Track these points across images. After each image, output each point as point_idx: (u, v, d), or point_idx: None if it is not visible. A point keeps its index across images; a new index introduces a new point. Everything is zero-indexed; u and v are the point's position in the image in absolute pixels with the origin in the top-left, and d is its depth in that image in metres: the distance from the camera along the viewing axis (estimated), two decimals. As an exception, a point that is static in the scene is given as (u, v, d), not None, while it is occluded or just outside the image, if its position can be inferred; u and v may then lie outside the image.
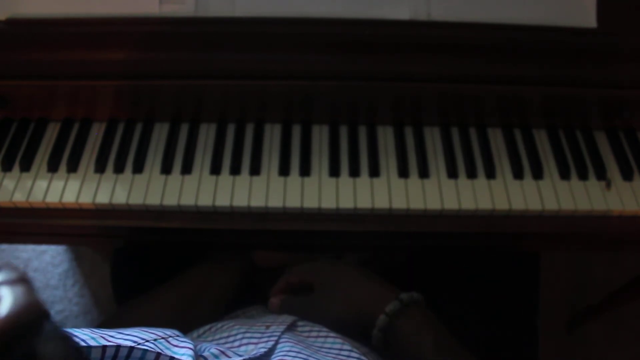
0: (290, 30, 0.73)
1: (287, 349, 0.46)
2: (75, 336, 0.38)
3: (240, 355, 0.46)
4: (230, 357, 0.44)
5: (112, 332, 0.41)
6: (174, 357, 0.40)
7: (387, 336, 0.59)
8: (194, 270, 0.73)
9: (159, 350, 0.40)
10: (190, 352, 0.41)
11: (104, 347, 0.38)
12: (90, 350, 0.37)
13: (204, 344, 0.50)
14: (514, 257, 0.85)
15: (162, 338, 0.42)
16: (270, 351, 0.48)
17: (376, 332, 0.59)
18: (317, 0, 0.72)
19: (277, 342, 0.49)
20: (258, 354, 0.47)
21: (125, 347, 0.39)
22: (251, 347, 0.49)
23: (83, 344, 0.38)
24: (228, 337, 0.52)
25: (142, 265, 0.84)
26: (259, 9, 0.72)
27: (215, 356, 0.44)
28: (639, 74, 0.74)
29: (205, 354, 0.43)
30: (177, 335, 0.45)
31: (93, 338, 0.39)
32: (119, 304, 0.85)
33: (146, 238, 0.84)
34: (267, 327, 0.53)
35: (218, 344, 0.49)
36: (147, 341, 0.41)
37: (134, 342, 0.40)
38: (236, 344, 0.50)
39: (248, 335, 0.51)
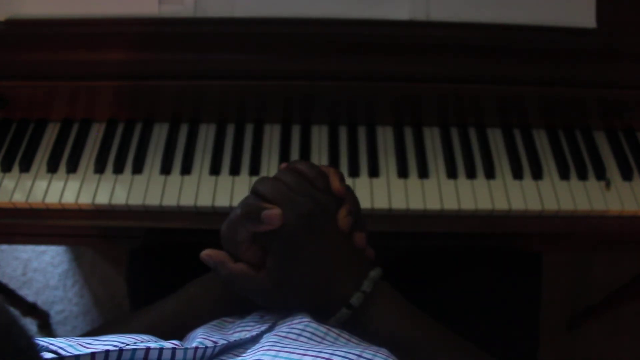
0: (290, 30, 0.73)
1: (275, 340, 0.46)
2: (56, 345, 0.38)
3: (229, 341, 0.46)
4: (218, 344, 0.44)
5: (88, 340, 0.41)
6: (163, 348, 0.40)
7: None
8: (194, 282, 0.69)
9: (147, 346, 0.40)
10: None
11: (93, 354, 0.38)
12: (79, 359, 0.37)
13: (197, 329, 0.50)
14: (515, 256, 0.85)
15: (142, 342, 0.42)
16: (263, 334, 0.48)
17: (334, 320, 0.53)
18: (317, 0, 0.72)
19: (271, 327, 0.49)
20: (250, 337, 0.47)
21: (115, 351, 0.38)
22: (244, 332, 0.49)
23: (67, 354, 0.37)
24: (223, 327, 0.52)
25: (158, 266, 0.83)
26: (258, 9, 0.72)
27: (203, 348, 0.44)
28: (638, 74, 0.74)
29: (192, 345, 0.43)
30: (156, 341, 0.44)
31: (70, 345, 0.38)
32: (133, 304, 0.84)
33: (149, 239, 0.84)
34: (262, 316, 0.53)
35: (210, 331, 0.49)
36: (128, 345, 0.40)
37: (115, 346, 0.39)
38: (229, 331, 0.50)
39: (242, 324, 0.51)
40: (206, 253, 0.52)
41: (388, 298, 0.52)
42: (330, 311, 0.51)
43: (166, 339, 0.47)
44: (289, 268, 0.50)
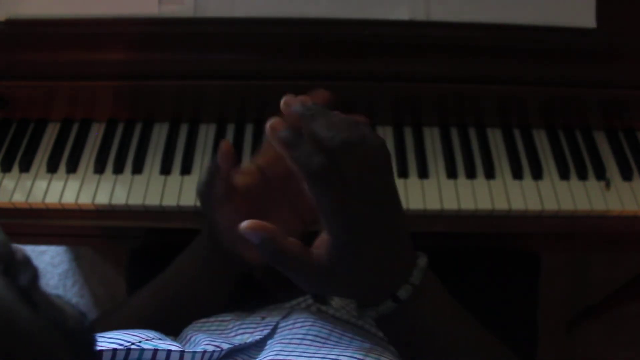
0: (290, 30, 0.73)
1: (279, 348, 0.46)
2: None
3: (233, 344, 0.46)
4: (223, 349, 0.44)
5: None
6: (171, 350, 0.40)
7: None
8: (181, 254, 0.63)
9: (154, 347, 0.40)
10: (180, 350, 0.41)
11: (100, 351, 0.38)
12: None
13: (199, 334, 0.50)
14: (514, 257, 0.85)
15: (147, 340, 0.42)
16: (266, 338, 0.47)
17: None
18: (317, 0, 0.72)
19: (273, 331, 0.49)
20: (253, 341, 0.47)
21: (122, 350, 0.38)
22: (247, 335, 0.49)
23: None
24: (224, 330, 0.52)
25: (158, 266, 0.83)
26: (257, 9, 0.72)
27: (210, 352, 0.44)
28: (638, 74, 0.74)
29: (198, 349, 0.43)
30: (160, 338, 0.44)
31: None
32: None
33: (149, 239, 0.84)
34: (263, 318, 0.52)
35: (212, 335, 0.49)
36: (133, 343, 0.40)
37: (121, 345, 0.39)
38: (231, 334, 0.50)
39: (244, 326, 0.51)
40: (248, 226, 0.41)
41: (433, 291, 0.46)
42: (373, 301, 0.44)
43: (160, 315, 0.46)
44: (353, 250, 0.41)
